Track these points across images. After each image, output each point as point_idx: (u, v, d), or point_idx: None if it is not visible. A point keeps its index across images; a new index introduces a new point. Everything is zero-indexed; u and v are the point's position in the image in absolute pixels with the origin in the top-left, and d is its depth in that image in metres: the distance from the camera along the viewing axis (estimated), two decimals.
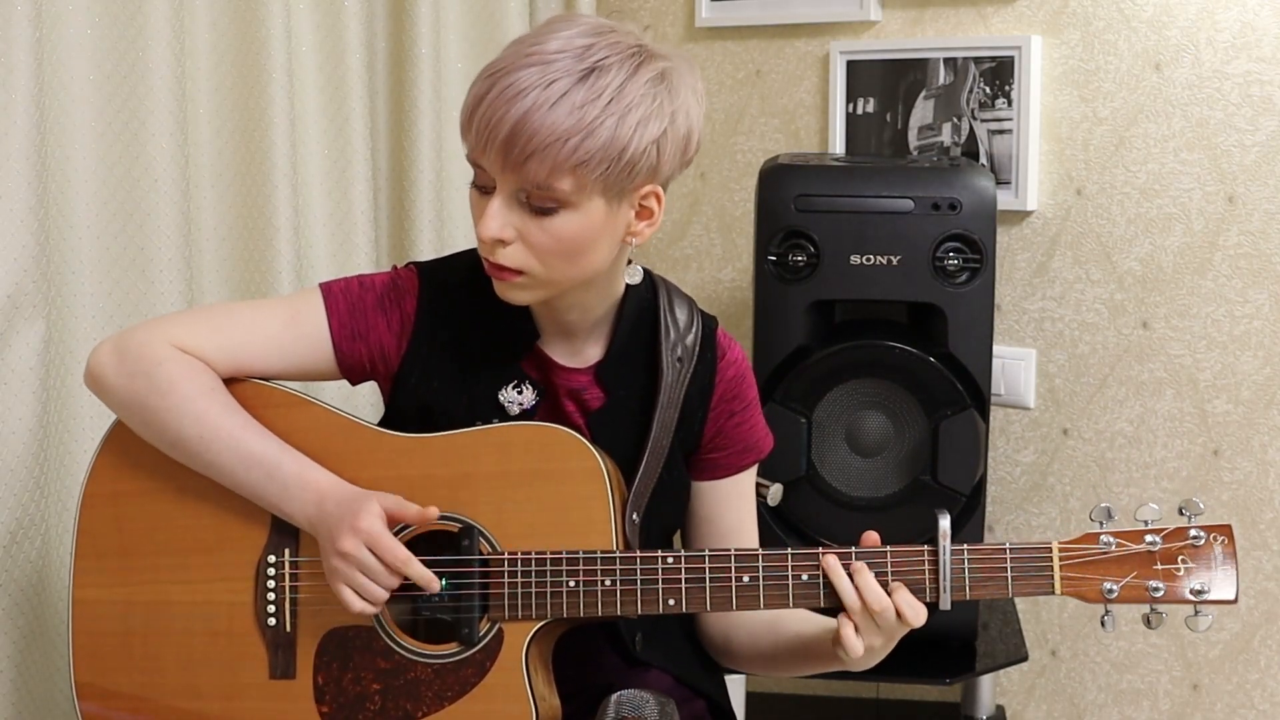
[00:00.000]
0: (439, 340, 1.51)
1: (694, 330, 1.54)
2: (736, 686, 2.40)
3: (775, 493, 2.10)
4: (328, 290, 1.51)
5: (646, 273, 1.56)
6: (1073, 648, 2.61)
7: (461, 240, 2.55)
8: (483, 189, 1.40)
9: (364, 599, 1.40)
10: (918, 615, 1.40)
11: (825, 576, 1.41)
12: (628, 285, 1.52)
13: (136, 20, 1.94)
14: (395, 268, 1.55)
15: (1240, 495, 2.43)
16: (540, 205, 1.36)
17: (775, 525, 2.22)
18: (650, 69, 1.36)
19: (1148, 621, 1.40)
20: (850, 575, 1.40)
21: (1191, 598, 1.39)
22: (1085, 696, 2.60)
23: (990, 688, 2.46)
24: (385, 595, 1.40)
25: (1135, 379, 2.50)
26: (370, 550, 1.38)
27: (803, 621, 1.55)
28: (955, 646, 2.30)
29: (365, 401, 2.29)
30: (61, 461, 1.90)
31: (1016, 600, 2.59)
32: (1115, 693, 2.57)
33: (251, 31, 2.13)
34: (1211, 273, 2.42)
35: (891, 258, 2.17)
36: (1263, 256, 2.38)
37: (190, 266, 2.03)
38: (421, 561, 1.40)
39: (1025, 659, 2.35)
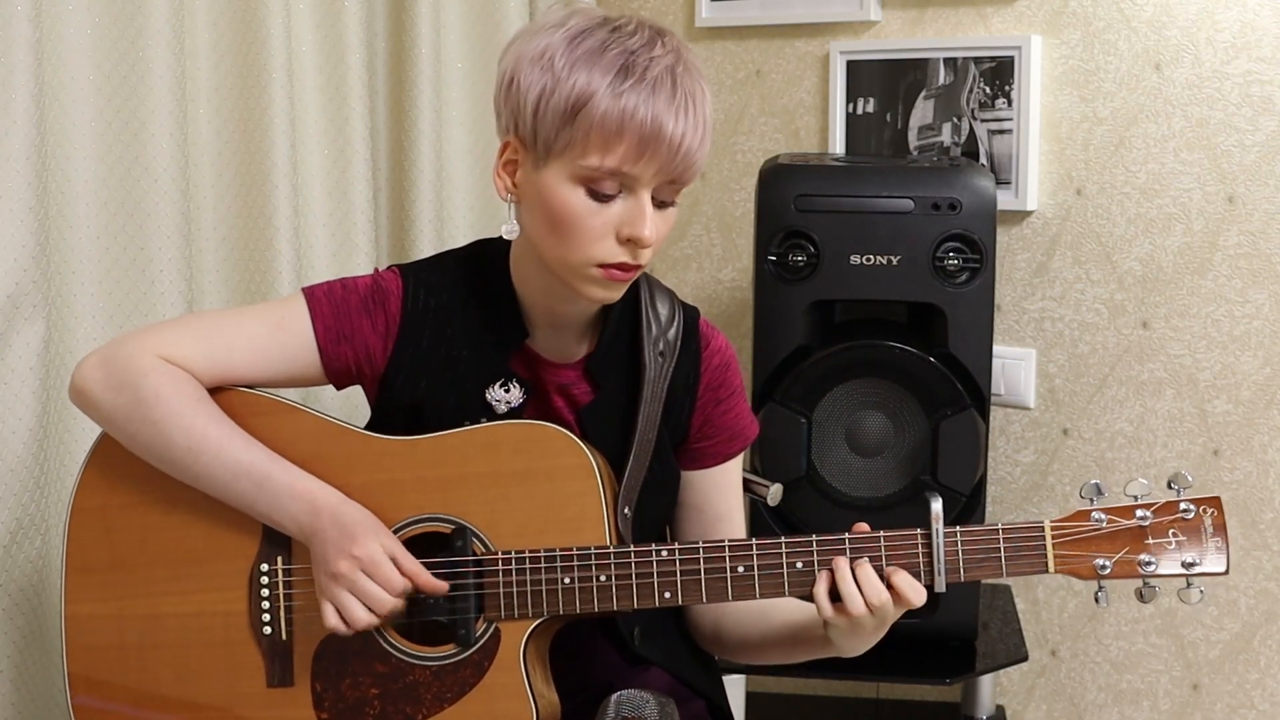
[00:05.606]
0: (425, 341, 1.50)
1: (676, 323, 1.55)
2: (736, 686, 2.40)
3: (775, 493, 2.10)
4: (311, 294, 1.50)
5: None
6: (1073, 648, 2.61)
7: (461, 240, 2.55)
8: (607, 196, 1.38)
9: (343, 620, 1.40)
10: (918, 594, 1.39)
11: (833, 577, 1.40)
12: None
13: (136, 20, 1.94)
14: (378, 270, 1.55)
15: (1240, 495, 2.42)
16: (671, 200, 1.41)
17: (775, 525, 2.22)
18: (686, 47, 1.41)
19: (1140, 596, 1.41)
20: (855, 575, 1.39)
21: (1183, 570, 1.40)
22: (1085, 696, 2.60)
23: (990, 688, 2.46)
24: (367, 619, 1.40)
25: (1135, 379, 2.50)
26: (366, 574, 1.39)
27: (792, 609, 1.55)
28: (955, 646, 2.29)
29: (365, 404, 2.29)
30: (61, 461, 1.90)
31: (1016, 600, 2.59)
32: (1115, 693, 2.57)
33: (251, 31, 2.13)
34: (1211, 273, 2.42)
35: (891, 258, 2.17)
36: (1263, 256, 2.38)
37: (190, 266, 2.03)
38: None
39: (1025, 659, 2.34)
